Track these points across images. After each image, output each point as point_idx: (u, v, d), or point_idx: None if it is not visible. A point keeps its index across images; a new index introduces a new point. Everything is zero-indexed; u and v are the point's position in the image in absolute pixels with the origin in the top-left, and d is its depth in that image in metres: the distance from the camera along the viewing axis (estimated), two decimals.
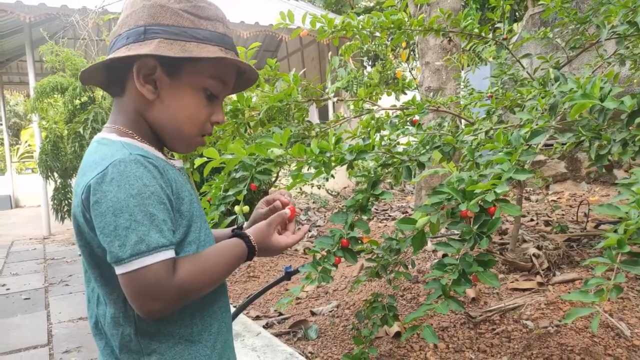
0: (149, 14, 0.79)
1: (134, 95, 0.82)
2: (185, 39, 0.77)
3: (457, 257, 1.25)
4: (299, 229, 0.95)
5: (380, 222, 4.02)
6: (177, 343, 0.80)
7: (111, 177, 0.71)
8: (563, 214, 2.91)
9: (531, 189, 4.13)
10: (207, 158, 1.36)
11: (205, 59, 0.79)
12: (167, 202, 0.75)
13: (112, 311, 0.78)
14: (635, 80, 3.04)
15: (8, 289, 4.45)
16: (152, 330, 0.78)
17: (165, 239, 0.71)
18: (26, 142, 16.59)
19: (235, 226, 0.97)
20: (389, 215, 4.34)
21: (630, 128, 1.25)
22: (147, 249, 0.69)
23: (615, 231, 0.95)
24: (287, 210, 0.92)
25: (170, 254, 0.72)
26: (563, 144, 1.93)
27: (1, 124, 11.66)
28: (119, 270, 0.70)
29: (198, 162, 1.46)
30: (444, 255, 1.32)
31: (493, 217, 1.19)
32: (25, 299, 4.14)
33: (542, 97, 1.40)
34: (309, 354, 1.80)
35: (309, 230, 4.38)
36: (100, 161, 0.74)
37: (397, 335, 1.80)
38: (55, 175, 3.84)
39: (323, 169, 1.50)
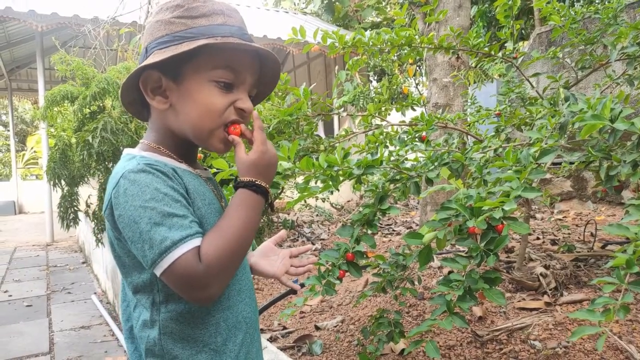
0: (149, 33, 0.84)
1: (154, 112, 0.87)
2: (177, 42, 0.80)
3: (463, 273, 1.24)
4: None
5: (384, 236, 4.01)
6: (200, 351, 0.81)
7: (124, 188, 0.75)
8: (569, 233, 2.89)
9: (537, 207, 4.12)
10: (217, 169, 1.36)
11: (193, 53, 0.78)
12: (183, 200, 0.77)
13: (144, 315, 0.81)
14: None
15: (10, 296, 4.45)
16: (177, 335, 0.80)
17: (188, 229, 0.73)
18: (32, 148, 16.70)
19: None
20: (393, 230, 4.33)
21: None
22: (172, 244, 0.71)
23: (624, 251, 0.95)
24: (236, 137, 0.84)
25: (196, 242, 0.73)
26: (571, 163, 1.93)
27: (9, 130, 11.76)
28: (157, 272, 0.73)
29: None
30: (450, 272, 1.31)
31: (501, 235, 1.18)
32: (28, 306, 4.14)
33: (552, 117, 1.40)
34: None
35: (313, 244, 4.35)
36: (115, 175, 0.79)
37: (403, 352, 1.79)
38: (63, 183, 3.86)
39: (331, 183, 1.50)
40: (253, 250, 1.12)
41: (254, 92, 0.90)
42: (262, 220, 4.25)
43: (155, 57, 0.80)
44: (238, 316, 0.86)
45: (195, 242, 0.73)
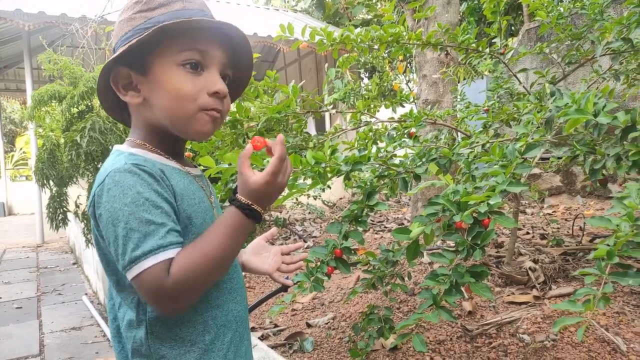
0: (115, 35, 0.86)
1: (132, 110, 0.87)
2: (138, 35, 0.79)
3: (450, 267, 1.25)
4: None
5: (376, 233, 4.01)
6: (188, 350, 0.80)
7: (108, 188, 0.74)
8: (558, 228, 2.91)
9: (526, 202, 4.15)
10: (204, 166, 1.35)
11: (154, 41, 0.78)
12: (166, 205, 0.75)
13: (129, 315, 0.80)
14: (627, 95, 3.08)
15: (0, 298, 4.41)
16: (164, 335, 0.79)
17: (162, 240, 0.72)
18: (21, 149, 16.54)
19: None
20: (385, 227, 4.33)
21: (624, 143, 1.26)
22: (142, 254, 0.70)
23: (607, 244, 0.96)
24: (248, 146, 0.81)
25: (168, 254, 0.71)
26: (559, 158, 1.95)
27: None
28: (128, 277, 0.73)
29: None
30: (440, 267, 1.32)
31: (487, 229, 1.19)
32: (17, 308, 4.10)
33: (538, 112, 1.41)
34: None
35: (305, 242, 4.35)
36: (102, 172, 0.78)
37: (394, 347, 1.79)
38: (51, 183, 3.82)
39: (319, 179, 1.50)
40: (243, 247, 1.11)
41: (229, 73, 0.88)
42: None
43: (117, 54, 0.80)
44: (228, 315, 0.85)
45: (168, 254, 0.71)
